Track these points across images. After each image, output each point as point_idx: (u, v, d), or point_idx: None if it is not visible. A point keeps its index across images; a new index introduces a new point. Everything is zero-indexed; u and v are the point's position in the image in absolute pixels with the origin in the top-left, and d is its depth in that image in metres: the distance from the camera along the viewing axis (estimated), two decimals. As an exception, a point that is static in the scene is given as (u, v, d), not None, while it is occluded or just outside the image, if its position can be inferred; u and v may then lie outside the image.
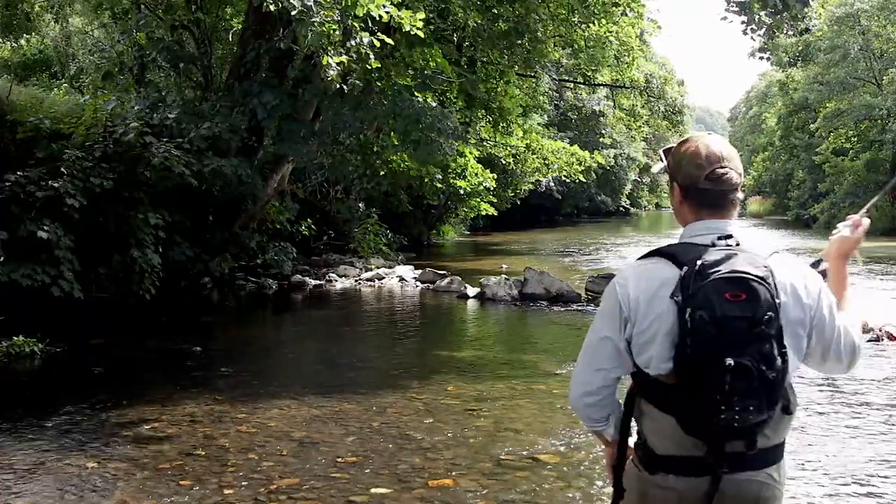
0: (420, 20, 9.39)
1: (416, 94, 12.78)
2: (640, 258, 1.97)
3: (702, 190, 1.92)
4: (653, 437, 1.90)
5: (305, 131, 12.32)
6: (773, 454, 1.88)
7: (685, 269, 1.81)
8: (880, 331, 8.85)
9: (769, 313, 1.76)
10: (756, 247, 1.90)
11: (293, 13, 8.48)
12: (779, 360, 1.77)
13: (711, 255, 1.81)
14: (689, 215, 1.96)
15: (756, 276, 1.78)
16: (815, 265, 2.15)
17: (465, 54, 16.19)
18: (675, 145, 2.03)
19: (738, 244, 1.87)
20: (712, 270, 1.78)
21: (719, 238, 1.87)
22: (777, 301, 1.79)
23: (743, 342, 1.74)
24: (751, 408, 1.75)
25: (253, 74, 12.15)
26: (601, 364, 1.95)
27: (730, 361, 1.72)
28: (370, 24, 9.05)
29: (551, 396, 6.45)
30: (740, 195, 1.96)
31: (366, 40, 8.95)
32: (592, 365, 1.97)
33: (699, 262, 1.80)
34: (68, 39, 19.67)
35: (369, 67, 9.69)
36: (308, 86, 11.97)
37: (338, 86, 9.43)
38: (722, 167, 1.90)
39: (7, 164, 9.26)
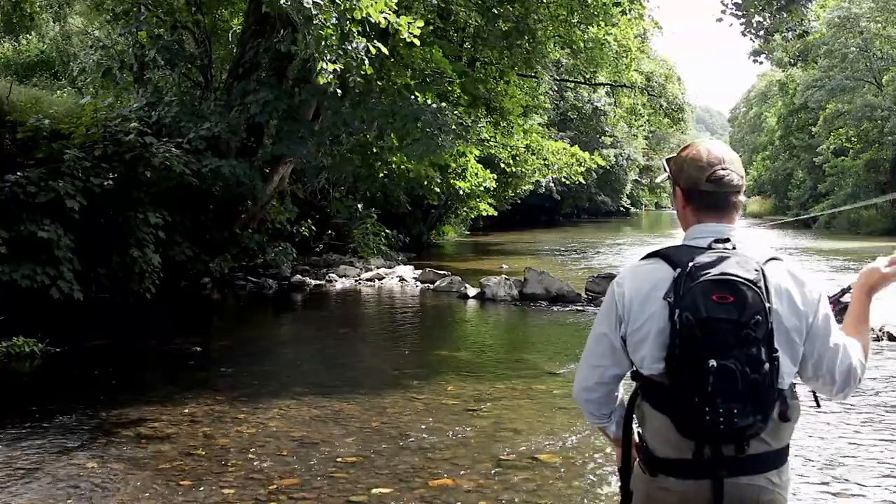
0: (418, 27, 9.36)
1: (416, 93, 12.76)
2: (640, 259, 1.99)
3: (703, 192, 1.94)
4: (652, 440, 1.90)
5: (305, 131, 12.30)
6: (774, 459, 1.85)
7: (678, 270, 1.83)
8: (880, 331, 8.84)
9: (757, 316, 1.76)
10: (754, 250, 1.89)
11: (296, 15, 8.46)
12: (767, 365, 1.76)
13: (704, 258, 1.83)
14: (692, 218, 1.98)
15: (745, 279, 1.78)
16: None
17: (465, 54, 16.19)
18: (677, 153, 2.06)
19: (734, 247, 1.87)
20: (702, 273, 1.80)
21: (717, 241, 1.88)
22: (767, 305, 1.78)
23: (729, 344, 1.75)
24: (734, 410, 1.74)
25: (252, 74, 12.13)
26: (598, 361, 1.99)
27: (713, 363, 1.73)
28: (367, 29, 9.01)
29: (551, 396, 6.46)
30: (742, 198, 1.98)
31: (361, 46, 8.92)
32: (590, 361, 2.01)
33: (691, 265, 1.82)
34: (69, 39, 19.66)
35: (364, 73, 9.66)
36: (306, 85, 11.95)
37: (333, 89, 9.41)
38: (723, 168, 1.93)
39: (7, 164, 9.25)
